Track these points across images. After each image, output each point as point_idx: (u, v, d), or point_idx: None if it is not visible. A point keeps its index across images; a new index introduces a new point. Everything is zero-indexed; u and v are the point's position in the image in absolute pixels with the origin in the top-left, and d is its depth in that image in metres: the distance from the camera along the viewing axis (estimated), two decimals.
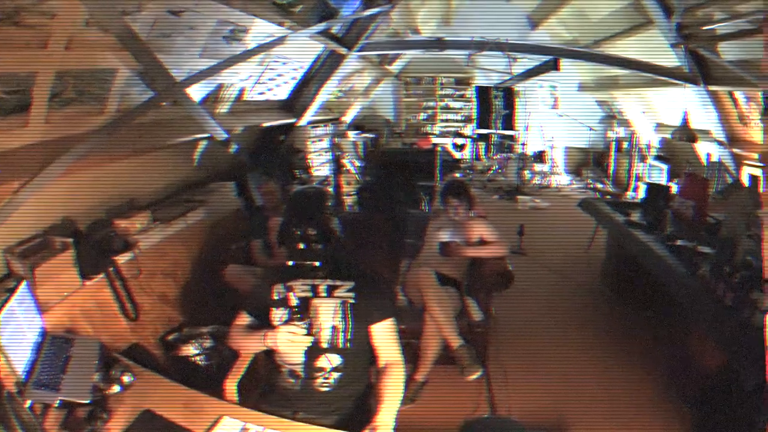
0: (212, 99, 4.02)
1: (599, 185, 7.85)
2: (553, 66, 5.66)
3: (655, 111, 6.50)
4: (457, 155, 8.70)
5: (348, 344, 1.71)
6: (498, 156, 8.49)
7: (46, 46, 2.17)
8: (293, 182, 5.13)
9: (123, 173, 3.25)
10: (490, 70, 7.87)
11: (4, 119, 2.25)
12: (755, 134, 4.48)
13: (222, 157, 4.32)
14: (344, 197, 6.01)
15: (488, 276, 2.94)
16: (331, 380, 1.71)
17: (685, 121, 4.85)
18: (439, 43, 5.28)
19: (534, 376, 2.90)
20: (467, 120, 9.12)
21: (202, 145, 4.10)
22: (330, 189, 5.96)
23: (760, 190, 3.94)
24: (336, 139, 6.58)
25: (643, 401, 2.68)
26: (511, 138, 8.31)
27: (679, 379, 2.72)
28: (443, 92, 9.17)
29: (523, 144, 8.28)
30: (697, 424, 2.43)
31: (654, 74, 5.04)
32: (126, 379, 1.67)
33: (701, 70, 4.49)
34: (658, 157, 6.67)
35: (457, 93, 9.14)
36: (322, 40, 4.47)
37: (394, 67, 8.37)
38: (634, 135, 7.38)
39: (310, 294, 1.74)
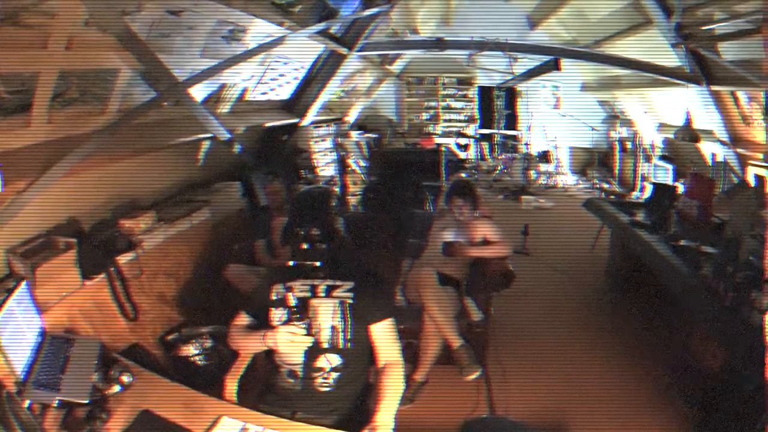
0: (214, 99, 4.03)
1: (605, 185, 7.82)
2: (555, 66, 5.64)
3: (657, 111, 6.48)
4: (461, 155, 8.69)
5: (348, 344, 1.70)
6: (503, 156, 8.48)
7: (47, 46, 2.18)
8: (299, 182, 5.14)
9: (127, 173, 3.27)
10: (491, 70, 7.86)
11: (7, 119, 2.26)
12: (758, 134, 4.46)
13: (226, 157, 4.33)
14: (349, 197, 6.01)
15: (489, 275, 2.93)
16: (330, 380, 1.70)
17: (687, 122, 4.82)
18: (439, 43, 5.27)
19: (534, 376, 2.89)
20: (470, 120, 9.11)
21: (207, 145, 4.11)
22: (336, 189, 5.97)
23: (767, 190, 3.94)
24: (339, 139, 6.58)
25: (644, 401, 2.66)
26: (514, 138, 8.31)
27: (681, 379, 2.71)
28: (445, 92, 9.17)
29: (527, 144, 8.28)
30: (698, 424, 2.42)
31: (656, 74, 5.02)
32: (125, 379, 1.68)
33: (703, 70, 4.48)
34: (663, 157, 6.64)
35: (460, 93, 9.13)
36: (321, 40, 4.47)
37: (395, 67, 8.37)
38: (636, 135, 7.36)
39: (308, 294, 1.74)
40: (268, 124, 5.01)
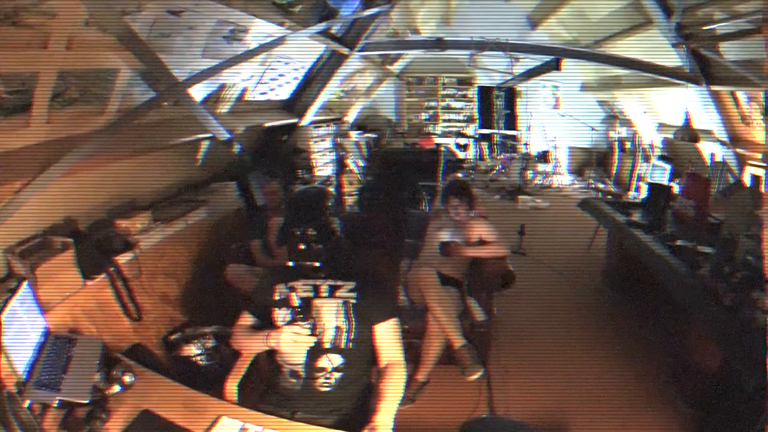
0: (214, 99, 4.02)
1: (601, 185, 7.83)
2: (555, 66, 5.65)
3: (656, 111, 6.49)
4: (460, 155, 8.68)
5: (350, 344, 1.71)
6: (501, 156, 8.47)
7: (47, 46, 2.18)
8: (296, 182, 5.13)
9: (124, 173, 3.25)
10: (491, 70, 7.85)
11: (6, 119, 2.26)
12: (757, 134, 4.46)
13: (224, 157, 4.32)
14: (346, 197, 6.00)
15: (489, 276, 2.93)
16: (332, 380, 1.71)
17: (687, 121, 4.83)
18: (439, 43, 5.27)
19: (534, 375, 2.89)
20: (469, 120, 9.11)
21: (205, 145, 4.10)
22: (331, 189, 5.96)
23: (762, 189, 3.94)
24: (339, 139, 6.58)
25: (644, 401, 2.67)
26: (514, 138, 8.31)
27: (680, 380, 2.71)
28: (445, 92, 9.16)
29: (527, 144, 8.28)
30: (697, 424, 2.42)
31: (656, 74, 5.02)
32: (127, 379, 1.68)
33: (703, 70, 4.48)
34: (661, 157, 6.64)
35: (459, 93, 9.13)
36: (321, 40, 4.47)
37: (396, 67, 8.36)
38: (636, 135, 7.37)
39: (311, 294, 1.75)
40: (267, 124, 5.01)
